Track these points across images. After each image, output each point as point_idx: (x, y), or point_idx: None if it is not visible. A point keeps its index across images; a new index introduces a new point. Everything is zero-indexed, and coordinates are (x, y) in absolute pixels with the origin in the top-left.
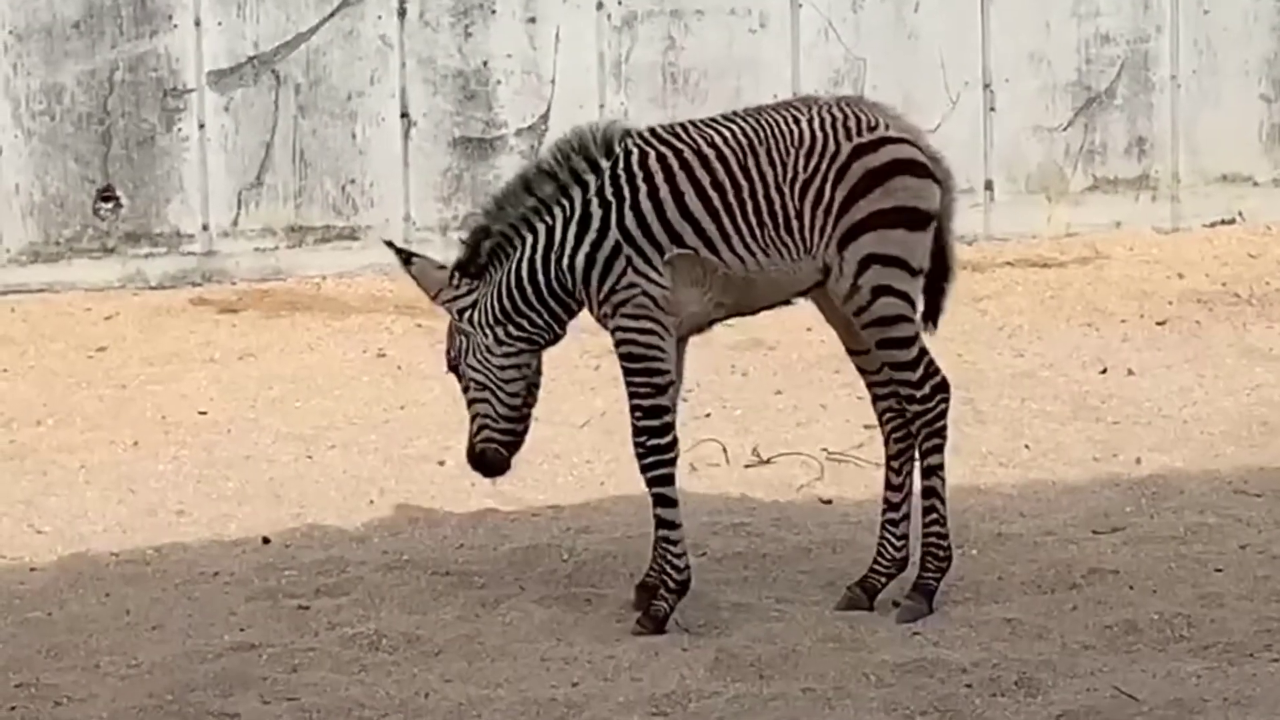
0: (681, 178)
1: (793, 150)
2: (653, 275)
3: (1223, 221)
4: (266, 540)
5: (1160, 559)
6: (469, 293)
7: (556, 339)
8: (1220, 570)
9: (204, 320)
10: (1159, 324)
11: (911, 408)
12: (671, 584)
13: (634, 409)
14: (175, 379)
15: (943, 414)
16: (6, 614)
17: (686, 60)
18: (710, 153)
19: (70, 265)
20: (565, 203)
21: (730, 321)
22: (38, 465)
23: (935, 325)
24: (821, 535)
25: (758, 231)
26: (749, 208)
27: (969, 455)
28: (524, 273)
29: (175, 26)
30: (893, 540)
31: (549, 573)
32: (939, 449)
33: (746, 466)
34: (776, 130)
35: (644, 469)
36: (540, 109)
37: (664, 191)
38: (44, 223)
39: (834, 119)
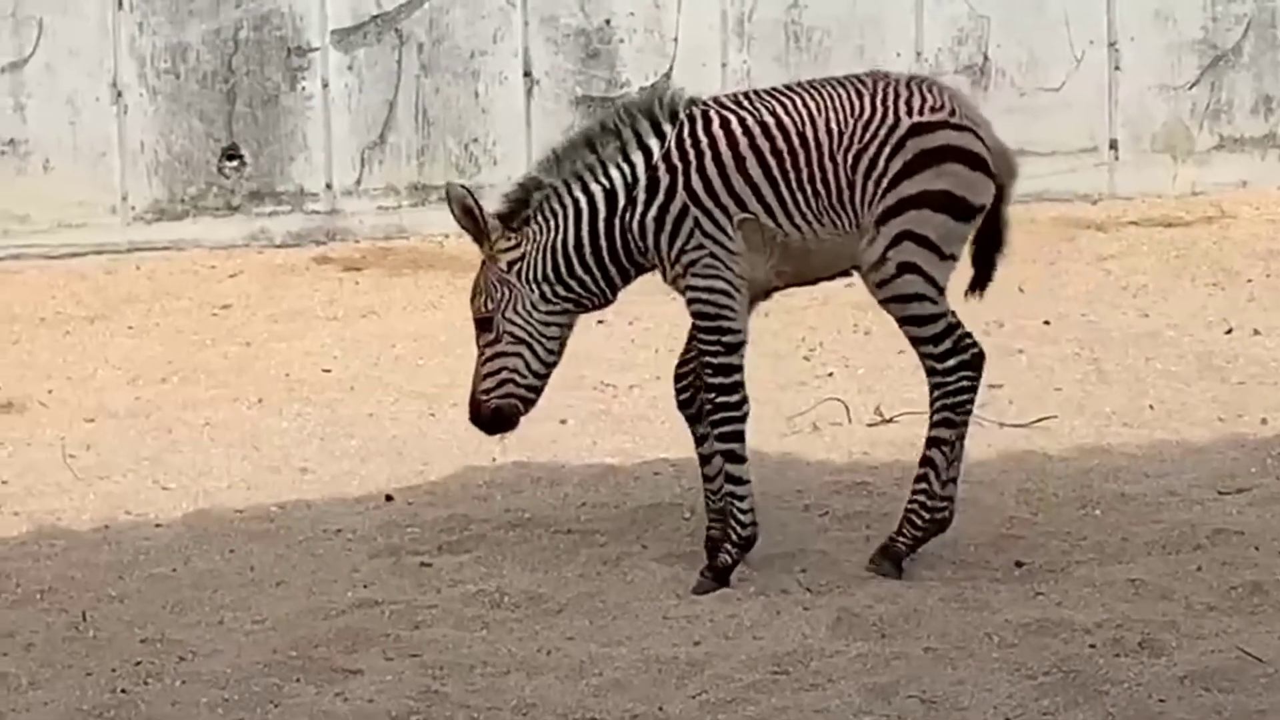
0: (744, 143)
1: (851, 121)
2: (720, 237)
3: None
4: (389, 498)
5: None
6: (516, 245)
7: (607, 304)
8: None
9: (327, 278)
10: None
11: (932, 379)
12: (736, 538)
13: (705, 366)
14: (299, 337)
15: (963, 389)
16: (132, 570)
17: (810, 18)
18: (771, 120)
19: (195, 223)
20: (625, 166)
21: (853, 280)
22: (163, 422)
23: (981, 294)
24: None
25: (813, 201)
26: (804, 176)
27: (1093, 415)
28: (584, 236)
29: None
30: (935, 500)
31: (671, 530)
32: (950, 424)
33: (869, 425)
34: (838, 101)
35: (714, 424)
36: (663, 67)
37: (727, 156)
38: (169, 181)
39: (899, 95)
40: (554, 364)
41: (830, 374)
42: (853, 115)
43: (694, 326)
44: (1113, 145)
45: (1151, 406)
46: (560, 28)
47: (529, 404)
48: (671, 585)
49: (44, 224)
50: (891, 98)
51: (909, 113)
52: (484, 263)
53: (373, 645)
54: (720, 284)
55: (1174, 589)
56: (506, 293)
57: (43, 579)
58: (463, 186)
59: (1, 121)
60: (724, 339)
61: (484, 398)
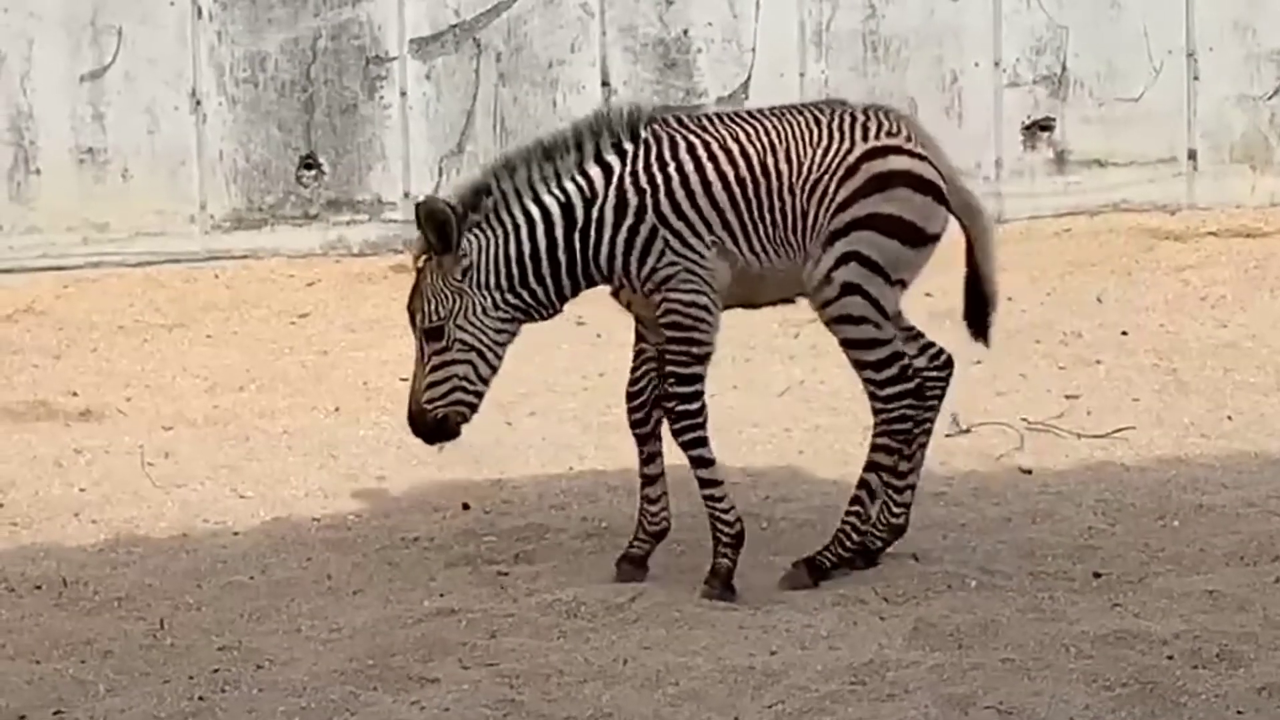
0: (710, 169)
1: (810, 150)
2: (692, 255)
3: None
4: (466, 506)
5: None
6: (465, 252)
7: (553, 315)
8: None
9: (405, 287)
10: None
11: (873, 404)
12: (726, 539)
13: (669, 375)
14: (376, 345)
15: (903, 418)
16: (210, 577)
17: (887, 29)
18: (735, 147)
19: (273, 232)
20: (581, 180)
21: (932, 292)
22: (241, 430)
23: (987, 343)
24: (1021, 505)
25: (771, 230)
26: (765, 205)
27: (1171, 426)
28: (541, 247)
29: None
30: (892, 506)
31: (748, 540)
32: (888, 450)
33: (946, 435)
34: (797, 130)
35: (675, 433)
36: (741, 77)
37: (695, 181)
38: (247, 189)
39: (854, 121)
40: (496, 372)
41: None
42: (811, 144)
43: (665, 335)
44: (1191, 155)
45: (1230, 417)
46: (638, 37)
47: (473, 411)
48: (747, 595)
49: (123, 232)
50: (848, 125)
51: (864, 138)
52: (421, 271)
53: (449, 654)
54: (700, 298)
55: (1252, 600)
56: (459, 300)
57: (120, 587)
58: (439, 199)
59: (81, 130)
60: (693, 349)
61: (429, 407)
